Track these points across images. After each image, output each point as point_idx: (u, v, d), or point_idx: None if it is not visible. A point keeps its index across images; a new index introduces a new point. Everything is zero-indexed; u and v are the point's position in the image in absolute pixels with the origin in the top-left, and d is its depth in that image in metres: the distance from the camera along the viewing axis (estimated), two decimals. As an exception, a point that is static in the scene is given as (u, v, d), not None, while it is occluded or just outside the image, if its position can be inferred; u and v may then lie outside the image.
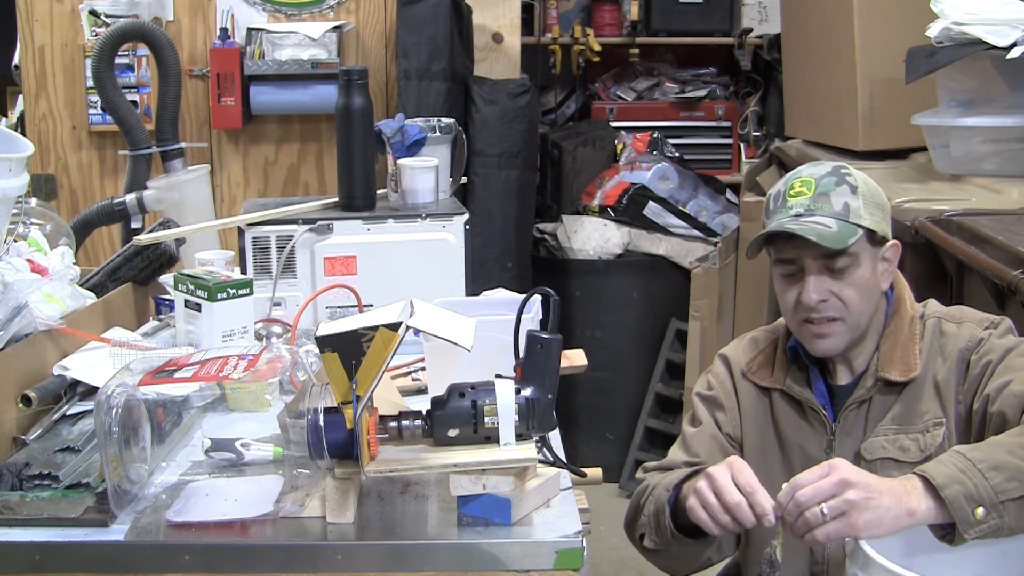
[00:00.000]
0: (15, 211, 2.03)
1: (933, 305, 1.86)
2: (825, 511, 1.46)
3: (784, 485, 1.52)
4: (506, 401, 1.49)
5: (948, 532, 1.50)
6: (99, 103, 3.69)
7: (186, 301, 2.11)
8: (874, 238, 1.77)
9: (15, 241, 2.08)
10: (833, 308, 1.75)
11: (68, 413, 1.84)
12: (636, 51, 4.86)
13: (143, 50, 4.02)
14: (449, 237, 2.51)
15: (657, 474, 1.86)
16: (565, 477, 1.65)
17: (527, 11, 4.61)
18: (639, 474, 1.93)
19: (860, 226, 1.73)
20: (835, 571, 1.77)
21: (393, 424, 1.51)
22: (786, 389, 1.85)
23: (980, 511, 1.46)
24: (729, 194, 4.65)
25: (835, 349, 1.79)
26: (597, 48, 4.75)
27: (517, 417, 1.49)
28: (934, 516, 1.48)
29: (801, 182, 1.79)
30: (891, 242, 1.81)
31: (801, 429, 1.84)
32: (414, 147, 2.70)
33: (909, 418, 1.76)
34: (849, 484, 1.47)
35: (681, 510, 1.69)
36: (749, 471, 1.57)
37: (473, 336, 1.53)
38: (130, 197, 3.29)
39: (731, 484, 1.55)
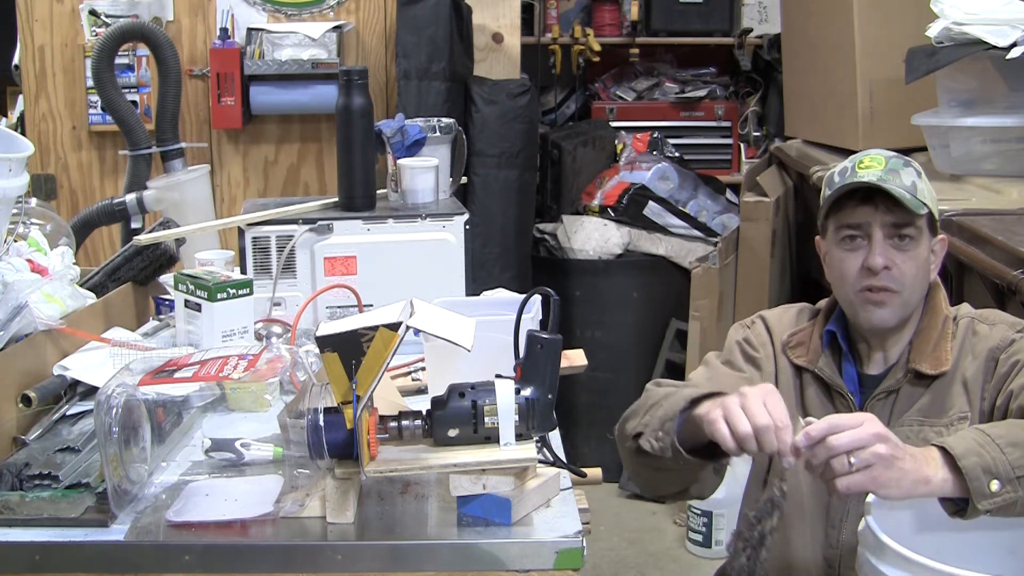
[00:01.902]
0: (15, 211, 2.03)
1: (966, 307, 1.89)
2: (853, 460, 1.46)
3: (819, 422, 1.49)
4: (506, 401, 1.49)
5: (960, 508, 1.51)
6: (99, 103, 3.69)
7: (186, 301, 2.11)
8: (931, 223, 1.82)
9: (15, 241, 2.08)
10: (893, 278, 1.79)
11: (68, 413, 1.84)
12: (636, 51, 4.85)
13: (143, 50, 4.02)
14: (449, 237, 2.51)
15: (673, 385, 1.83)
16: (565, 477, 1.65)
17: (527, 11, 4.60)
18: (649, 386, 1.89)
19: (926, 205, 1.78)
20: (848, 556, 1.78)
21: (393, 424, 1.51)
22: (817, 372, 1.87)
23: (995, 484, 1.47)
24: (729, 194, 4.64)
25: (889, 321, 1.81)
26: (597, 48, 4.75)
27: (517, 417, 1.49)
28: (948, 488, 1.49)
29: (871, 158, 1.82)
30: (941, 236, 1.87)
31: (826, 413, 1.84)
32: (414, 147, 2.70)
33: (935, 411, 1.79)
34: (881, 438, 1.46)
35: (689, 425, 1.64)
36: (783, 404, 1.52)
37: (473, 336, 1.53)
38: (130, 197, 3.29)
39: (763, 407, 1.51)
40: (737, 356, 1.92)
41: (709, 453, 1.62)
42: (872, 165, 1.80)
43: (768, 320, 1.96)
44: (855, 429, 1.46)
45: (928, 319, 1.84)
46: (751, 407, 1.51)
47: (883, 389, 1.82)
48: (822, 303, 1.95)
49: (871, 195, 1.77)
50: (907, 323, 1.84)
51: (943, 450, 1.51)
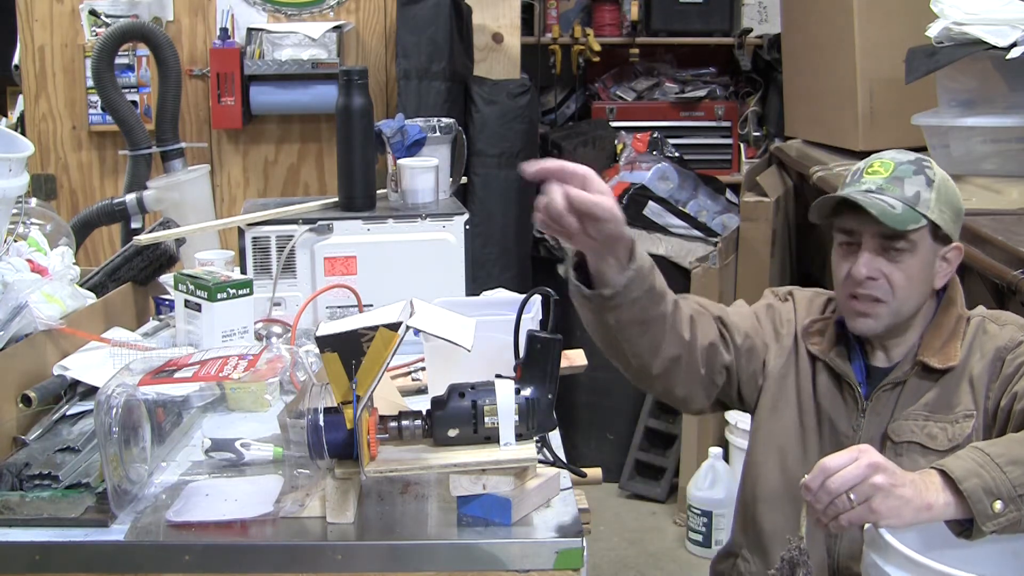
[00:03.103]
0: (15, 211, 2.03)
1: (981, 308, 1.89)
2: (852, 497, 1.47)
3: (813, 469, 1.51)
4: (506, 401, 1.49)
5: (965, 528, 1.51)
6: (99, 103, 3.69)
7: (186, 301, 2.11)
8: (937, 234, 1.80)
9: (15, 241, 2.08)
10: (880, 289, 1.78)
11: (68, 413, 1.84)
12: (636, 51, 4.86)
13: (143, 50, 4.02)
14: (449, 237, 2.51)
15: None
16: (565, 477, 1.65)
17: (527, 11, 4.61)
18: None
19: (926, 217, 1.77)
20: (847, 556, 1.79)
21: (393, 424, 1.51)
22: (829, 361, 1.88)
23: (998, 504, 1.47)
24: (729, 194, 4.64)
25: (874, 330, 1.82)
26: (597, 48, 4.75)
27: (517, 417, 1.49)
28: (951, 511, 1.49)
29: (881, 163, 1.82)
30: (955, 244, 1.84)
31: (835, 402, 1.87)
32: (414, 147, 2.70)
33: (941, 407, 1.78)
34: (877, 468, 1.48)
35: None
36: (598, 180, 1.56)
37: (473, 336, 1.53)
38: (130, 197, 3.29)
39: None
40: (763, 312, 1.97)
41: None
42: (878, 171, 1.80)
43: (798, 302, 1.98)
44: (849, 467, 1.48)
45: (943, 316, 1.84)
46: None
47: (889, 380, 1.83)
48: None
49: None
50: (911, 326, 1.84)
51: (943, 473, 1.51)
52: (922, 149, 3.08)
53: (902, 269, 1.78)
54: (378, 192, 2.66)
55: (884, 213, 1.73)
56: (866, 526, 1.54)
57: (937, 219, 1.78)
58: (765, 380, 1.92)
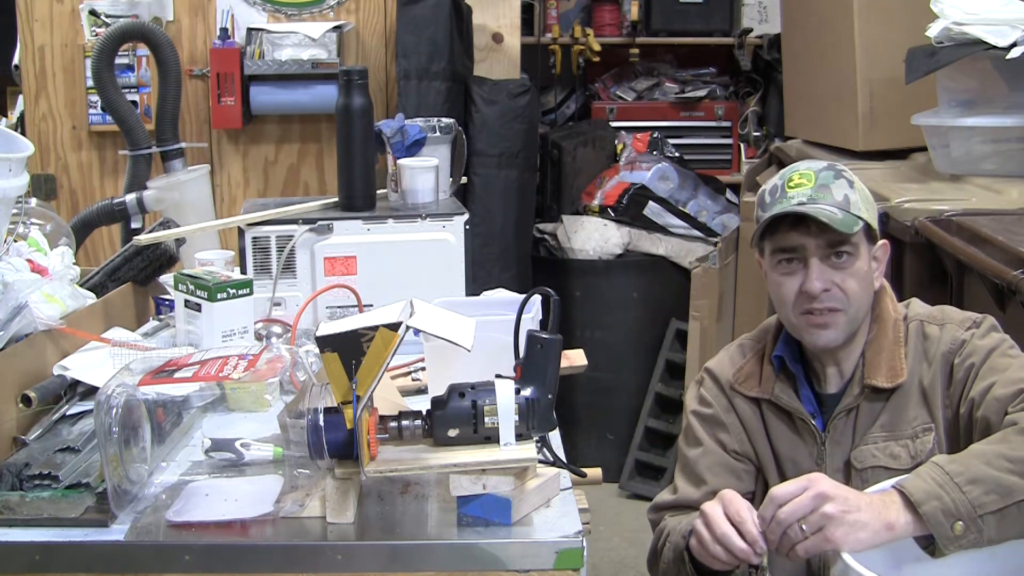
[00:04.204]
0: (15, 211, 2.03)
1: (916, 306, 1.85)
2: (804, 527, 1.46)
3: (766, 498, 1.51)
4: (506, 401, 1.49)
5: (931, 543, 1.49)
6: (99, 103, 3.69)
7: (186, 301, 2.11)
8: (870, 233, 1.78)
9: (15, 241, 2.08)
10: (835, 299, 1.75)
11: (68, 413, 1.84)
12: (636, 51, 4.86)
13: (143, 50, 4.02)
14: (449, 237, 2.51)
15: (672, 514, 1.84)
16: (565, 477, 1.65)
17: (527, 11, 4.61)
18: (650, 514, 1.91)
19: (860, 218, 1.74)
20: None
21: (393, 424, 1.51)
22: (774, 399, 1.83)
23: (959, 526, 1.46)
24: (729, 194, 4.65)
25: (836, 341, 1.77)
26: (597, 48, 4.75)
27: (517, 417, 1.49)
28: (913, 530, 1.48)
29: (800, 175, 1.77)
30: (882, 241, 1.82)
31: (792, 441, 1.82)
32: (414, 147, 2.70)
33: (897, 425, 1.75)
34: (826, 498, 1.47)
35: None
36: (740, 501, 1.56)
37: (473, 336, 1.53)
38: (130, 197, 3.30)
39: (721, 516, 1.55)
40: (698, 431, 1.88)
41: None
42: (801, 183, 1.75)
43: (712, 370, 1.92)
44: (797, 497, 1.47)
45: (877, 327, 1.80)
46: (711, 520, 1.55)
47: (842, 408, 1.79)
48: (768, 323, 1.92)
49: (803, 217, 1.72)
50: (857, 334, 1.80)
51: (902, 493, 1.49)
52: (922, 149, 3.08)
53: (851, 275, 1.75)
54: (378, 192, 2.66)
55: (832, 219, 1.70)
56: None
57: (868, 218, 1.76)
58: (757, 460, 1.87)
